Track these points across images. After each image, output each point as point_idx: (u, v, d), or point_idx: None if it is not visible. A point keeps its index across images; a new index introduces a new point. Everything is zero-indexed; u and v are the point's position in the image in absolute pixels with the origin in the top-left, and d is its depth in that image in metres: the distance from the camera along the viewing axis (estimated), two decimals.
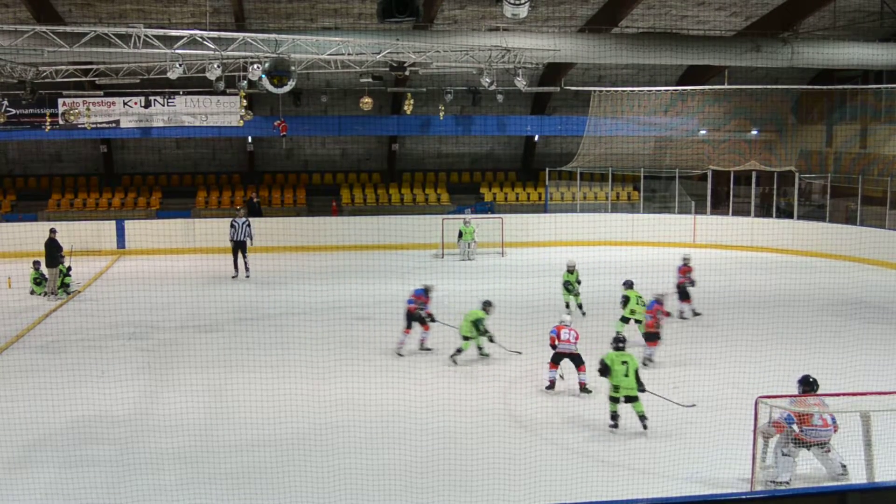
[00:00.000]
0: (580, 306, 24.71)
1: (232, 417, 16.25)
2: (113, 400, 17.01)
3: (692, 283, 24.51)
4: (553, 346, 18.31)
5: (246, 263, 30.88)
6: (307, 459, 14.32)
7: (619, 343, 16.31)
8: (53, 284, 27.95)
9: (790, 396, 14.47)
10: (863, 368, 18.12)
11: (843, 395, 13.82)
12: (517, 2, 16.91)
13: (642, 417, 15.82)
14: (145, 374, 19.51)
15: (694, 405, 16.70)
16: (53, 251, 28.00)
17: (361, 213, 40.83)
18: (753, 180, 38.53)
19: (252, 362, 20.21)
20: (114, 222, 36.59)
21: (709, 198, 39.00)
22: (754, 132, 44.11)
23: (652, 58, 34.56)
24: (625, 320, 21.33)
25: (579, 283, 24.80)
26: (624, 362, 15.87)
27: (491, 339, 20.32)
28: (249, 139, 42.72)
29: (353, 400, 17.13)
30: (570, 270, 24.85)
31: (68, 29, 25.57)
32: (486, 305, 20.23)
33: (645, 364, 19.32)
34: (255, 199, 40.31)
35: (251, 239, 31.37)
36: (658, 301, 19.85)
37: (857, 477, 13.09)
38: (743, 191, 39.32)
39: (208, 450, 14.92)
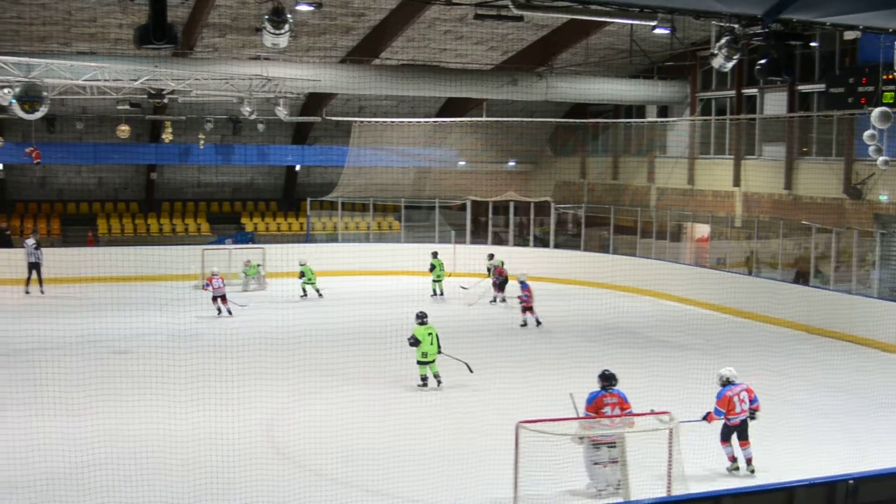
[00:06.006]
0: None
1: None
2: None
3: None
4: None
5: None
6: (62, 500, 13.78)
7: (423, 318, 20.60)
8: None
9: (551, 420, 14.83)
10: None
11: (600, 417, 14.24)
12: (277, 31, 16.81)
13: (437, 376, 20.46)
14: None
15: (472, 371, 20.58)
16: None
17: (119, 244, 39.60)
18: (511, 210, 39.49)
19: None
20: None
21: (468, 227, 39.73)
22: (511, 163, 45.28)
23: (412, 89, 35.07)
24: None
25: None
26: (429, 333, 20.35)
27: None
28: (0, 166, 40.95)
29: (112, 435, 16.59)
30: None
31: None
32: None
33: None
34: (6, 231, 38.64)
35: None
36: None
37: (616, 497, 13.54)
38: (501, 220, 40.25)
39: None
